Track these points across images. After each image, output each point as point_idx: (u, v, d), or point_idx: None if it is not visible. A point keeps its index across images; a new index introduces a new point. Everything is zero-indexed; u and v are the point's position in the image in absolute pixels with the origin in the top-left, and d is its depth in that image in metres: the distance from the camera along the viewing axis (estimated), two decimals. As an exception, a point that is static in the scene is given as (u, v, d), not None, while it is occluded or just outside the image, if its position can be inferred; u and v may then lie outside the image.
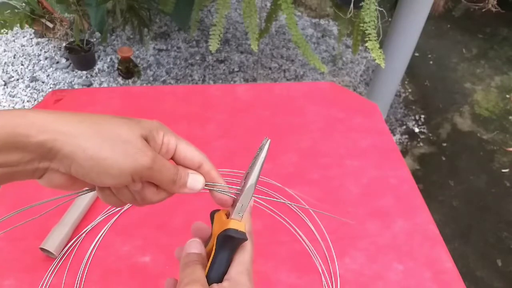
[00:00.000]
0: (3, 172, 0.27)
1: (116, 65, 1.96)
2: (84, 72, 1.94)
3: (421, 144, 1.84)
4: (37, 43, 2.06)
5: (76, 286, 0.55)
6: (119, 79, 1.92)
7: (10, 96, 1.80)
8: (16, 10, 1.70)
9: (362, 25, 1.13)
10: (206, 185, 0.35)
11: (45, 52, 2.02)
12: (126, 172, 0.29)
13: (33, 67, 1.94)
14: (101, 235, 0.61)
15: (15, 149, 0.27)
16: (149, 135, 0.31)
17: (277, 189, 0.68)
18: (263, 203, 0.66)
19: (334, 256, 0.61)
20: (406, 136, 1.87)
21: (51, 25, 1.91)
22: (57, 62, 1.97)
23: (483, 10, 1.93)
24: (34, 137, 0.27)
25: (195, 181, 0.35)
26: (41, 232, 0.58)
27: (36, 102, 1.78)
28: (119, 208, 0.64)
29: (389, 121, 1.92)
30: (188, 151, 0.34)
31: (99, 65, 1.98)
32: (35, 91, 1.83)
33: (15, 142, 0.26)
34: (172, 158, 0.34)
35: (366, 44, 1.14)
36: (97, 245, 0.60)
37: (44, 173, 0.29)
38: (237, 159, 0.72)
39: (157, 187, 0.33)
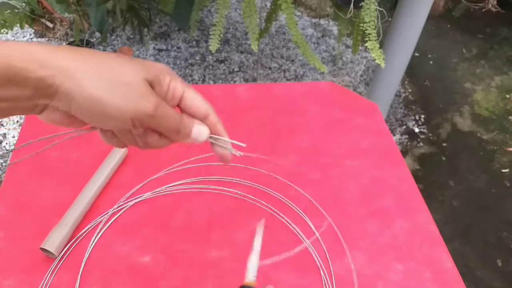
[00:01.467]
0: (2, 106, 0.26)
1: (116, 65, 1.97)
2: (84, 72, 1.94)
3: (421, 144, 1.84)
4: (37, 43, 2.06)
5: (76, 286, 0.55)
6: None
7: (10, 96, 1.80)
8: (16, 10, 1.70)
9: (362, 25, 1.13)
10: (209, 137, 0.34)
11: (45, 52, 2.02)
12: (126, 116, 0.28)
13: (33, 67, 1.94)
14: (101, 235, 0.61)
15: (14, 84, 0.26)
16: (155, 80, 0.30)
17: (277, 189, 0.68)
18: (263, 202, 0.66)
19: (336, 256, 0.61)
20: (406, 136, 1.87)
21: (51, 25, 1.91)
22: (57, 62, 1.97)
23: (483, 10, 1.93)
24: (32, 72, 0.25)
25: (199, 132, 0.33)
26: (41, 232, 0.58)
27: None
28: (119, 208, 0.64)
29: (389, 121, 1.92)
30: (196, 100, 0.33)
31: (99, 65, 1.98)
32: (35, 91, 1.83)
33: (13, 76, 0.25)
34: (178, 106, 0.33)
35: (366, 44, 1.14)
36: (96, 245, 0.60)
37: (44, 109, 0.28)
38: (237, 159, 0.72)
39: (160, 133, 0.31)
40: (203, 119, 0.34)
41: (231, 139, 0.35)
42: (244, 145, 0.34)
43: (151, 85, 0.29)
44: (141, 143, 0.32)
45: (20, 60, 0.25)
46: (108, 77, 0.27)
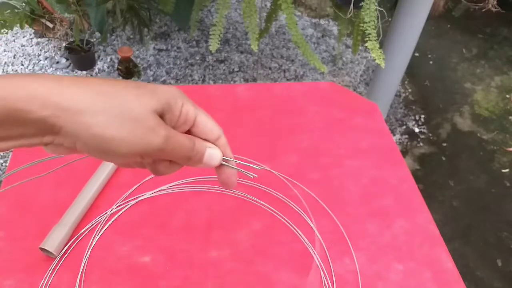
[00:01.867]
0: (7, 145, 0.26)
1: (116, 65, 1.96)
2: (84, 72, 1.94)
3: (421, 144, 1.84)
4: (37, 43, 2.06)
5: (76, 286, 0.55)
6: (119, 79, 1.93)
7: (10, 96, 1.80)
8: (16, 10, 1.70)
9: (362, 25, 1.13)
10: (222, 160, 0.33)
11: (45, 52, 2.02)
12: (134, 152, 0.27)
13: (33, 67, 1.94)
14: (101, 235, 0.61)
15: (17, 124, 0.25)
16: (165, 107, 0.29)
17: (277, 189, 0.68)
18: (263, 202, 0.66)
19: (336, 256, 0.61)
20: (406, 136, 1.87)
21: (51, 25, 1.91)
22: (57, 62, 1.97)
23: (483, 10, 1.93)
24: (34, 113, 0.25)
25: (211, 157, 0.32)
26: (41, 232, 0.58)
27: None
28: (119, 208, 0.64)
29: (389, 121, 1.92)
30: (208, 123, 0.32)
31: (99, 65, 1.98)
32: (35, 91, 1.83)
33: (16, 117, 0.25)
34: (190, 129, 0.32)
35: (366, 44, 1.14)
36: (96, 245, 0.60)
37: (49, 144, 0.28)
38: (237, 159, 0.72)
39: (170, 161, 0.31)
40: (214, 141, 0.33)
41: (240, 156, 0.34)
42: (258, 167, 0.34)
43: (162, 113, 0.29)
44: (150, 169, 0.31)
45: (21, 100, 0.25)
46: (115, 114, 0.26)
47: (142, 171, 0.69)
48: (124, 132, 0.26)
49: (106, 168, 0.67)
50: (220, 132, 0.33)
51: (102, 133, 0.26)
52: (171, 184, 0.68)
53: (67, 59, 1.97)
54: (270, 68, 2.07)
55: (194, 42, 2.16)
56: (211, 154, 0.32)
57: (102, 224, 0.62)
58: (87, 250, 0.59)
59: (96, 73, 1.94)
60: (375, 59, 1.12)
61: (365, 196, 0.69)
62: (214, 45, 1.11)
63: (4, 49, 2.03)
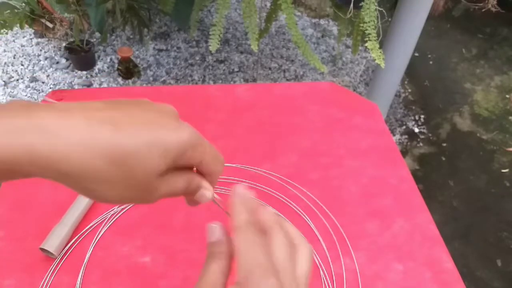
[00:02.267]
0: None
1: (116, 65, 1.97)
2: (84, 72, 1.94)
3: (421, 144, 1.84)
4: (37, 43, 2.06)
5: (77, 287, 0.55)
6: (119, 79, 1.93)
7: (10, 96, 1.80)
8: (16, 10, 1.70)
9: (362, 25, 1.14)
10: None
11: (45, 52, 2.02)
12: (125, 202, 0.29)
13: (33, 67, 1.94)
14: (101, 235, 0.61)
15: (12, 174, 0.24)
16: (173, 162, 0.27)
17: (277, 190, 0.68)
18: (263, 202, 0.66)
19: (336, 256, 0.61)
20: (406, 136, 1.87)
21: (51, 25, 1.92)
22: (57, 62, 1.97)
23: (483, 10, 1.94)
24: (34, 174, 0.24)
25: (201, 195, 0.31)
26: (41, 232, 0.58)
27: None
28: (119, 208, 0.64)
29: (389, 121, 1.92)
30: (210, 166, 0.31)
31: (99, 65, 1.98)
32: (35, 91, 1.83)
33: (13, 171, 0.23)
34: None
35: (366, 44, 1.14)
36: (96, 245, 0.60)
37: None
38: (237, 159, 0.72)
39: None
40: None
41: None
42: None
43: (169, 166, 0.27)
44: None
45: (22, 163, 0.23)
46: (119, 180, 0.25)
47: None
48: (122, 193, 0.26)
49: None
50: (220, 168, 0.32)
51: (103, 197, 0.26)
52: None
53: (67, 59, 1.97)
54: (270, 68, 2.07)
55: (194, 42, 2.16)
56: (203, 194, 0.31)
57: (103, 225, 0.62)
58: (87, 251, 0.59)
59: (96, 73, 1.94)
60: (375, 59, 1.12)
61: (365, 196, 0.69)
62: (214, 45, 1.11)
63: (4, 49, 2.03)
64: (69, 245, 0.59)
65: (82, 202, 0.62)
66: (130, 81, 1.93)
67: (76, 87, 1.87)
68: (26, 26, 1.80)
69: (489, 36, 2.46)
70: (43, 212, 0.62)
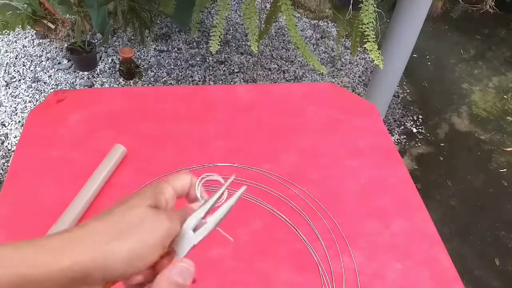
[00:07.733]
0: None
1: (118, 66, 1.98)
2: (86, 73, 1.95)
3: (419, 144, 1.85)
4: (39, 44, 2.07)
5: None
6: (121, 80, 1.94)
7: (12, 96, 1.81)
8: (18, 11, 1.71)
9: (360, 26, 1.15)
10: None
11: (47, 53, 2.03)
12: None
13: (35, 68, 1.95)
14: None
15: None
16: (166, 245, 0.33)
17: (278, 189, 0.69)
18: (263, 202, 0.67)
19: (335, 255, 0.62)
20: (404, 136, 1.88)
21: (52, 26, 1.92)
22: (59, 63, 1.98)
23: (481, 11, 1.95)
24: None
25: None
26: (41, 232, 0.59)
27: (38, 103, 1.78)
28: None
29: (388, 121, 1.93)
30: (179, 186, 0.36)
31: (100, 66, 1.99)
32: (37, 91, 1.84)
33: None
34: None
35: (365, 45, 1.15)
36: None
37: None
38: (237, 159, 0.73)
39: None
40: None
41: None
42: (232, 239, 0.35)
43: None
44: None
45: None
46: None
47: (141, 171, 0.70)
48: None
49: (106, 168, 0.67)
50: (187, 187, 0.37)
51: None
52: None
53: (69, 60, 1.98)
54: (269, 69, 2.08)
55: (194, 43, 2.17)
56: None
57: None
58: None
59: (97, 74, 1.95)
60: (374, 60, 1.13)
61: (363, 196, 0.70)
62: (214, 46, 1.12)
63: (6, 50, 2.04)
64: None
65: (81, 201, 0.62)
66: (131, 81, 1.94)
67: (78, 87, 1.88)
68: (28, 27, 1.81)
69: (487, 37, 2.47)
70: (43, 211, 0.63)
